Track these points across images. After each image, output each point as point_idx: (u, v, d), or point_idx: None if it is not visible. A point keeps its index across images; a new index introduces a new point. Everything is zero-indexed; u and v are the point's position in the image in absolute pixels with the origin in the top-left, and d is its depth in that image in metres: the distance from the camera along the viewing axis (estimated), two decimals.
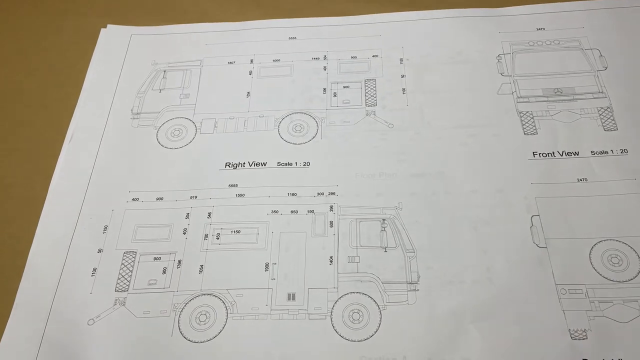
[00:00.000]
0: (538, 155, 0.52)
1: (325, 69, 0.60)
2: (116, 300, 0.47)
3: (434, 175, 0.52)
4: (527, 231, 0.48)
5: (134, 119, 0.58)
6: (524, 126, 0.54)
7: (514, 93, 0.56)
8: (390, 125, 0.55)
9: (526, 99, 0.56)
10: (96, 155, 0.55)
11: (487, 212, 0.49)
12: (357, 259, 0.48)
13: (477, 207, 0.50)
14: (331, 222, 0.50)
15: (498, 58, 0.59)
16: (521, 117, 0.55)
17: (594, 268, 0.46)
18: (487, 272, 0.46)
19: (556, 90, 0.56)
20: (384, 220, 0.50)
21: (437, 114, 0.56)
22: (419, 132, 0.54)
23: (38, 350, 0.45)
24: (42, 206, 0.52)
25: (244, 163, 0.54)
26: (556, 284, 0.45)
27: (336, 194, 0.51)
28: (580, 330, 0.43)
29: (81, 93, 0.60)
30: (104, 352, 0.44)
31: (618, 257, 0.46)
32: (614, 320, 0.44)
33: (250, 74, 0.60)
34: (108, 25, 0.65)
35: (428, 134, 0.54)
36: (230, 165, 0.54)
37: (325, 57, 0.61)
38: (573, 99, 0.55)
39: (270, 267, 0.48)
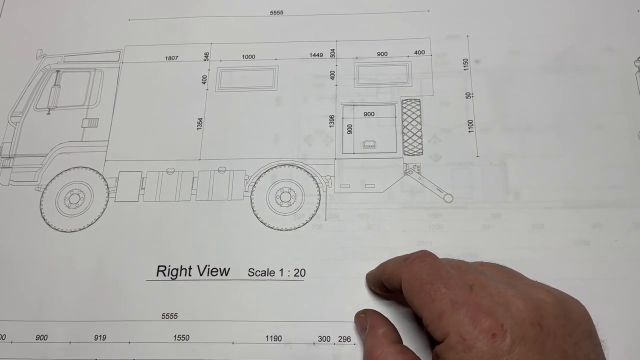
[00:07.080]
0: None
1: (332, 75, 0.34)
2: None
3: None
4: None
5: (3, 168, 0.34)
6: None
7: None
8: (448, 197, 0.31)
9: None
10: None
11: None
12: None
13: None
14: None
15: (638, 64, 0.33)
16: None
17: None
18: None
19: None
20: None
21: (533, 176, 0.31)
22: (500, 214, 0.30)
23: None
24: None
25: (190, 269, 0.31)
26: None
27: (351, 341, 0.29)
28: None
29: None
30: None
31: None
32: None
33: (203, 82, 0.35)
34: None
35: (517, 218, 0.30)
36: (168, 273, 0.31)
37: (333, 53, 0.35)
38: None
39: None
